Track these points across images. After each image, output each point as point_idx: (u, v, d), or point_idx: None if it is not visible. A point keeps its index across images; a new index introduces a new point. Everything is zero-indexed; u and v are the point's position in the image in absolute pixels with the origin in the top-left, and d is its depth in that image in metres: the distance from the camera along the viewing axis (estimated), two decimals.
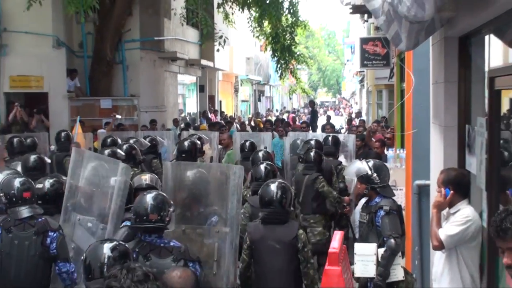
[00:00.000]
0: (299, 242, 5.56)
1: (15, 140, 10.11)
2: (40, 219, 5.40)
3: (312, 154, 8.86)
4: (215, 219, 5.58)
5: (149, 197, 4.78)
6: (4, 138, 10.72)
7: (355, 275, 5.72)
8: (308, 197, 8.59)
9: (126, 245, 3.98)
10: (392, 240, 5.55)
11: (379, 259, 5.54)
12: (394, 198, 6.21)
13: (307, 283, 5.70)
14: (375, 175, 5.93)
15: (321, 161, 8.77)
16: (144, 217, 4.66)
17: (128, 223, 5.43)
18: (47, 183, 6.15)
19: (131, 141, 9.17)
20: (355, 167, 6.08)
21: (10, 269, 5.17)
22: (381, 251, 5.57)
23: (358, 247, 5.66)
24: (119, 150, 8.49)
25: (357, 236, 10.07)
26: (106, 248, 3.76)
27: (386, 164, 8.87)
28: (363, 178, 5.94)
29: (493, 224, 2.84)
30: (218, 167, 6.03)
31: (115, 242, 3.89)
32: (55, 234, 5.35)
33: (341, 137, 11.73)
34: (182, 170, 5.77)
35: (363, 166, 5.99)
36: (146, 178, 6.38)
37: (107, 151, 8.29)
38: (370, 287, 5.69)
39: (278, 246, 5.57)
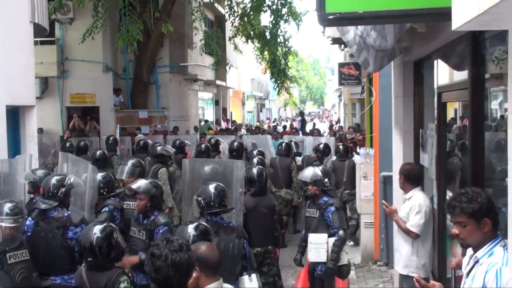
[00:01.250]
0: (276, 207, 6.24)
1: (68, 143, 10.14)
2: (65, 215, 4.85)
3: (341, 147, 9.63)
4: None
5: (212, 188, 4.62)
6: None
7: (310, 260, 5.63)
8: (352, 177, 8.84)
9: (206, 225, 3.84)
10: (342, 231, 5.50)
11: (332, 246, 5.46)
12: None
13: (277, 234, 6.17)
14: (326, 179, 5.82)
15: (347, 152, 9.52)
16: (211, 203, 4.52)
17: (107, 208, 5.48)
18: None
19: (159, 148, 8.37)
20: (310, 172, 5.85)
21: (38, 255, 4.67)
22: (332, 240, 5.48)
23: (312, 236, 5.58)
24: (168, 146, 8.69)
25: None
26: (190, 228, 3.67)
27: (358, 159, 8.93)
28: (316, 182, 5.73)
29: (447, 203, 2.83)
30: (225, 162, 5.92)
31: (196, 223, 3.75)
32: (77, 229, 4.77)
33: (323, 139, 11.74)
34: (198, 165, 5.65)
35: (316, 171, 5.82)
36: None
37: (159, 148, 8.38)
38: (319, 270, 5.62)
39: (266, 210, 5.91)
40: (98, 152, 8.57)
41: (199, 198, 4.58)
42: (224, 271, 3.70)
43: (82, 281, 3.72)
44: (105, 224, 3.89)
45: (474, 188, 2.79)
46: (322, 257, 5.45)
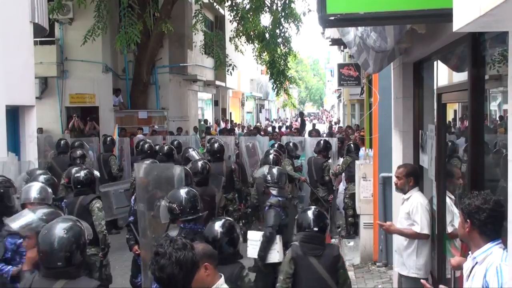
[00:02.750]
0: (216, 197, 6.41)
1: (62, 141, 10.16)
2: None
3: (352, 145, 10.12)
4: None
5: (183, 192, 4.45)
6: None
7: (248, 256, 5.61)
8: None
9: (232, 222, 3.93)
10: (267, 231, 5.50)
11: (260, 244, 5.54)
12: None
13: None
14: (268, 177, 5.95)
15: (358, 149, 9.77)
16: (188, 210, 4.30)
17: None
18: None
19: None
20: (261, 171, 6.17)
21: None
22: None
23: (250, 233, 5.73)
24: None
25: (340, 208, 10.14)
26: (217, 226, 3.77)
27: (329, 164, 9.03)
28: (261, 179, 6.04)
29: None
30: (167, 166, 5.67)
31: (224, 220, 3.89)
32: None
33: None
34: (148, 170, 5.47)
35: (263, 170, 6.10)
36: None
37: (167, 147, 8.96)
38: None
39: (208, 199, 6.00)
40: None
41: (173, 205, 4.30)
42: None
43: None
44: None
45: (487, 192, 2.87)
46: (255, 254, 5.55)
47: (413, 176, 4.96)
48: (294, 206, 6.27)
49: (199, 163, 6.68)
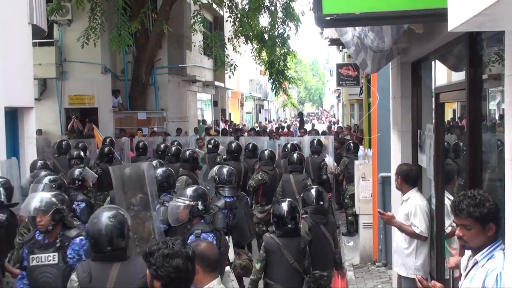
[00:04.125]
0: None
1: (64, 142, 10.13)
2: None
3: (352, 144, 10.38)
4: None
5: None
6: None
7: None
8: None
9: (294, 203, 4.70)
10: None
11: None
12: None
13: None
14: (217, 177, 6.10)
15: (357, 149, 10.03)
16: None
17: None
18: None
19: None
20: (212, 172, 6.36)
21: None
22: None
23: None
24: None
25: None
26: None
27: (355, 160, 9.03)
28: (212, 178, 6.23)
29: (453, 204, 2.78)
30: (139, 165, 5.52)
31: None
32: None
33: (322, 138, 11.78)
34: (121, 171, 5.50)
35: (214, 170, 6.26)
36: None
37: (174, 147, 9.04)
38: None
39: None
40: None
41: (196, 203, 4.52)
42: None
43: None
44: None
45: (480, 191, 2.76)
46: None
47: (400, 175, 4.92)
48: (245, 203, 6.27)
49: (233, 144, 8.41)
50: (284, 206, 4.76)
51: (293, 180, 7.80)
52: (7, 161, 7.07)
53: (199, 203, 4.51)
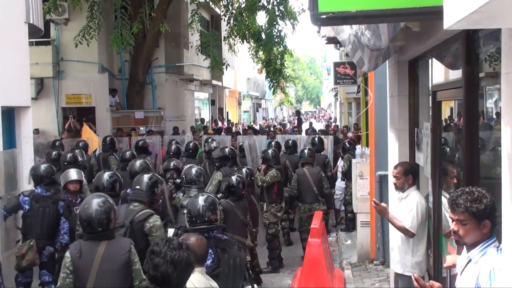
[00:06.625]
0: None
1: (57, 143, 10.14)
2: None
3: (347, 143, 10.63)
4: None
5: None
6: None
7: None
8: None
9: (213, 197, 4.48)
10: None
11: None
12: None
13: None
14: (184, 177, 6.13)
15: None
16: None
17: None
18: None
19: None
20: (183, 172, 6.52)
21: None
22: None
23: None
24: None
25: (337, 207, 10.46)
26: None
27: (354, 158, 9.04)
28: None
29: (450, 199, 2.78)
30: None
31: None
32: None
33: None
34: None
35: (184, 170, 6.38)
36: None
37: (192, 143, 9.76)
38: None
39: None
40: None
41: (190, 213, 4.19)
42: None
43: None
44: None
45: (478, 188, 2.76)
46: None
47: (411, 174, 4.93)
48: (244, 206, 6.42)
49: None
50: (233, 180, 6.08)
51: (308, 173, 8.42)
52: (7, 151, 7.17)
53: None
